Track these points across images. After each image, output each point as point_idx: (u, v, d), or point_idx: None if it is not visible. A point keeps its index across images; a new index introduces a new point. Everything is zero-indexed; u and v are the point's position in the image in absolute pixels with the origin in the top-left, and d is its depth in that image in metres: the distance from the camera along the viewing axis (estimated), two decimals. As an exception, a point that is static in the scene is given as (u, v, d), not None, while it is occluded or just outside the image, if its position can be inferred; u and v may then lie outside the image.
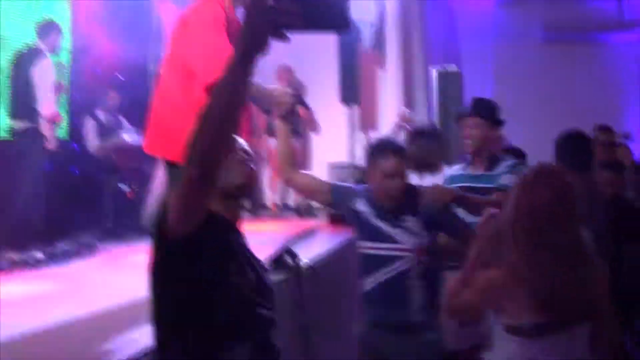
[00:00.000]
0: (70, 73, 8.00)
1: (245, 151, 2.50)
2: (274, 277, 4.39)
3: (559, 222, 2.83)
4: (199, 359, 2.26)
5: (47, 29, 7.13)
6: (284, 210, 9.67)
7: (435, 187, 4.03)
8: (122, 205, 7.82)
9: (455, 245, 3.82)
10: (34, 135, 6.83)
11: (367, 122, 9.62)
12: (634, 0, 12.69)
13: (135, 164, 7.79)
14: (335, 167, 9.27)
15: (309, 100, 9.65)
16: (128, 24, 8.18)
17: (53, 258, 5.80)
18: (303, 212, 9.33)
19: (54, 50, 7.20)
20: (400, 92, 9.63)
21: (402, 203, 3.83)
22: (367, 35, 9.86)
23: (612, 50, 12.77)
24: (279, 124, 3.93)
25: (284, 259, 4.43)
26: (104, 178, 7.84)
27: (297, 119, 9.05)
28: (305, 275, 4.40)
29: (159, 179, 5.75)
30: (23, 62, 6.96)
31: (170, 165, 3.92)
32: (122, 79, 8.63)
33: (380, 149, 3.89)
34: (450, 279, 3.20)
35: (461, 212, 4.07)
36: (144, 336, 2.55)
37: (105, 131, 8.12)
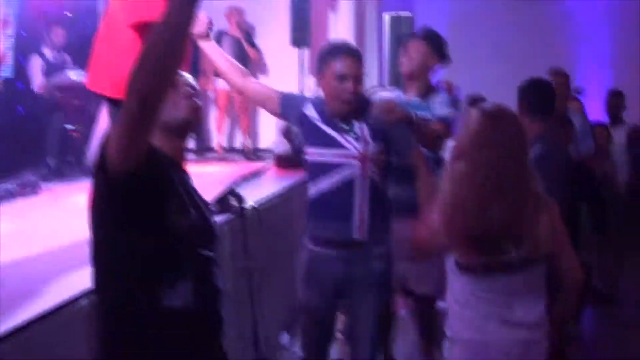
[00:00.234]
0: (17, 10, 7.76)
1: (190, 86, 2.45)
2: (218, 219, 4.38)
3: (508, 158, 2.82)
4: (138, 300, 2.24)
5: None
6: (230, 152, 9.63)
7: (387, 103, 3.66)
8: (67, 145, 7.72)
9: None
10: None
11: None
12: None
13: (81, 103, 7.66)
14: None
15: (259, 42, 9.58)
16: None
17: (-5, 197, 5.71)
18: (250, 154, 9.30)
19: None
20: (352, 36, 9.54)
21: (354, 109, 3.55)
22: (319, -23, 9.74)
23: (562, 5, 12.80)
24: (202, 45, 3.79)
25: (228, 200, 4.40)
26: (49, 117, 7.69)
27: (247, 61, 8.99)
28: (250, 217, 4.39)
29: (104, 118, 5.66)
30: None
31: (113, 103, 3.86)
32: (70, 15, 8.43)
33: (332, 51, 3.58)
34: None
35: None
36: (84, 277, 2.51)
37: (51, 69, 7.96)
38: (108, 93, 3.96)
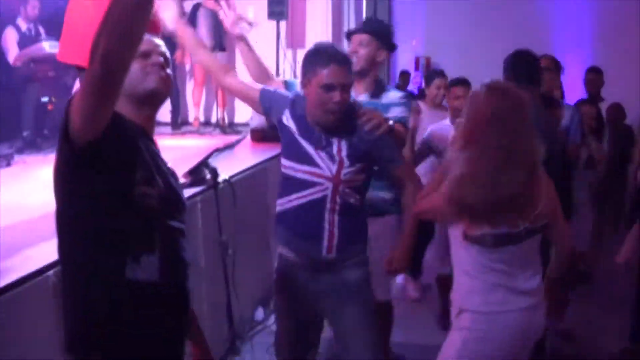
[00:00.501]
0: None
1: (162, 54, 2.39)
2: (191, 191, 4.34)
3: (518, 133, 2.94)
4: (105, 271, 2.19)
5: None
6: (206, 126, 9.58)
7: (375, 116, 3.45)
8: (42, 116, 7.64)
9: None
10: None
11: (295, 39, 9.51)
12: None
13: (56, 74, 7.58)
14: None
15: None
16: None
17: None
18: (226, 128, 9.25)
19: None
20: (329, 10, 9.49)
21: (338, 119, 3.30)
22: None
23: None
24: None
25: (201, 173, 4.36)
26: (23, 89, 7.61)
27: (222, 33, 8.91)
28: (223, 191, 4.34)
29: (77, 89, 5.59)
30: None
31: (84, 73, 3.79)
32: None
33: (319, 58, 3.29)
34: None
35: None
36: (51, 250, 2.46)
37: (25, 41, 7.87)
38: (79, 62, 3.89)
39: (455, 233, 3.09)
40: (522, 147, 2.94)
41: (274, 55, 8.98)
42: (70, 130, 2.04)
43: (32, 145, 7.20)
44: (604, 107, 7.59)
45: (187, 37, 3.69)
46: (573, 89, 8.33)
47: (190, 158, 4.82)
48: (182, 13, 3.75)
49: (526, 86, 4.14)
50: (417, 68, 13.90)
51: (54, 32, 7.60)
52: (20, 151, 6.87)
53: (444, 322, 5.50)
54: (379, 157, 3.42)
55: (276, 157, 5.00)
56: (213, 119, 9.82)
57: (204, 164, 4.31)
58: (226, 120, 9.45)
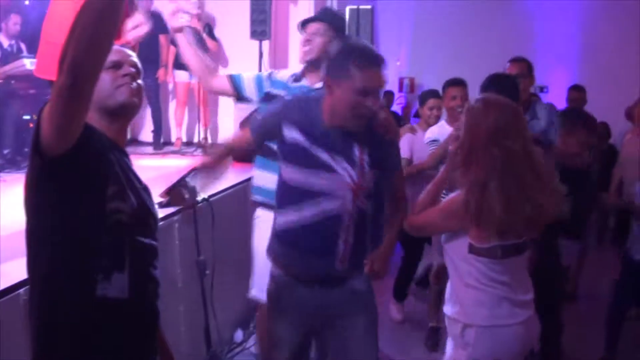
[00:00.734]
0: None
1: (133, 65, 2.35)
2: (168, 210, 4.28)
3: (525, 138, 3.00)
4: (72, 288, 2.15)
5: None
6: (189, 146, 9.53)
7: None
8: (23, 134, 7.57)
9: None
10: None
11: (278, 59, 9.49)
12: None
13: (37, 92, 7.53)
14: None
15: (220, 33, 9.50)
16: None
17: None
18: (208, 148, 9.18)
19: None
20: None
21: (364, 125, 3.08)
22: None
23: (527, 5, 12.83)
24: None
25: (180, 192, 4.31)
26: (4, 106, 7.56)
27: (205, 52, 8.87)
28: (202, 210, 4.29)
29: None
30: None
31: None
32: (27, 3, 8.29)
33: (358, 60, 3.00)
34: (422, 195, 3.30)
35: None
36: (22, 267, 2.40)
37: (7, 57, 7.83)
38: (55, 78, 3.84)
39: (456, 247, 3.09)
40: (539, 157, 3.02)
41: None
42: (41, 142, 2.01)
43: (13, 163, 7.15)
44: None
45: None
46: (557, 107, 8.33)
47: (170, 177, 4.76)
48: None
49: None
50: (400, 89, 13.91)
51: (36, 49, 7.57)
52: (0, 169, 6.83)
53: (432, 342, 5.52)
54: (389, 162, 3.25)
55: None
56: (195, 139, 9.76)
57: (182, 183, 4.24)
58: (209, 140, 9.40)
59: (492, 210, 2.90)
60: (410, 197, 3.40)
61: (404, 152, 5.44)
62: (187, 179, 4.35)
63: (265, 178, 3.90)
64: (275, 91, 3.97)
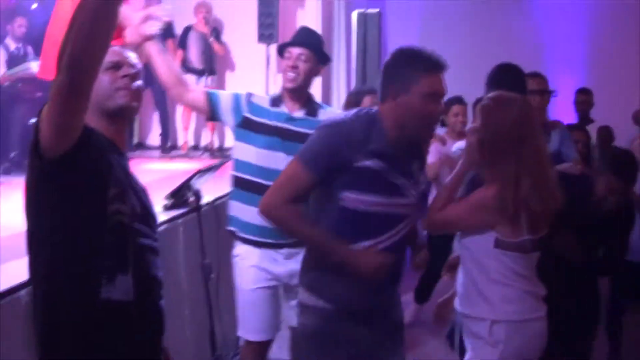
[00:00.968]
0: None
1: (132, 66, 2.35)
2: (173, 213, 4.27)
3: (534, 139, 3.03)
4: (75, 291, 2.14)
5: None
6: (196, 150, 9.54)
7: None
8: (29, 137, 7.50)
9: None
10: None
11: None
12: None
13: (44, 95, 7.51)
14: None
15: (227, 37, 9.51)
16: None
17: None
18: (215, 152, 9.20)
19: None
20: (320, 33, 9.47)
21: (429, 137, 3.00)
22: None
23: (535, 5, 12.80)
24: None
25: (184, 195, 4.29)
26: (11, 109, 7.57)
27: (212, 56, 8.91)
28: (206, 213, 4.28)
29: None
30: None
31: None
32: (33, 8, 8.29)
33: (426, 65, 2.83)
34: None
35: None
36: (24, 269, 2.40)
37: (13, 61, 7.84)
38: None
39: (479, 242, 3.06)
40: (547, 150, 3.13)
41: (264, 79, 8.95)
42: (40, 143, 2.02)
43: (19, 167, 7.10)
44: (593, 128, 7.55)
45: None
46: (564, 110, 8.30)
47: (177, 181, 4.76)
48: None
49: None
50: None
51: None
52: (7, 172, 6.85)
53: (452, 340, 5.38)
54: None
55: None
56: (202, 143, 9.78)
57: (186, 186, 4.23)
58: (215, 144, 9.41)
59: (528, 204, 2.93)
60: None
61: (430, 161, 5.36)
62: (192, 182, 4.35)
63: (241, 208, 3.82)
64: (255, 118, 3.82)
